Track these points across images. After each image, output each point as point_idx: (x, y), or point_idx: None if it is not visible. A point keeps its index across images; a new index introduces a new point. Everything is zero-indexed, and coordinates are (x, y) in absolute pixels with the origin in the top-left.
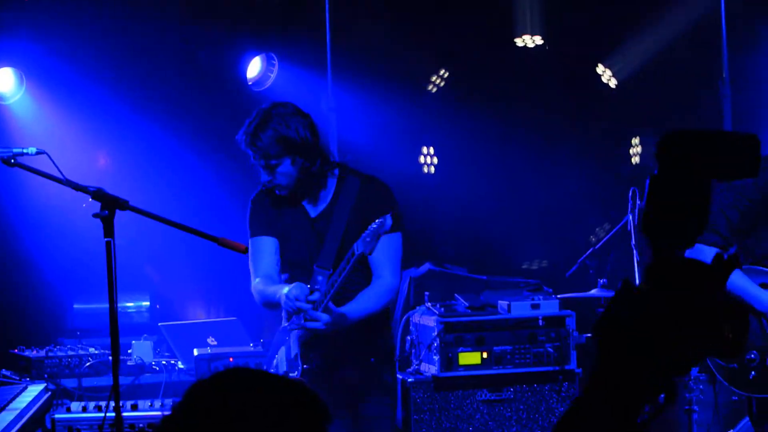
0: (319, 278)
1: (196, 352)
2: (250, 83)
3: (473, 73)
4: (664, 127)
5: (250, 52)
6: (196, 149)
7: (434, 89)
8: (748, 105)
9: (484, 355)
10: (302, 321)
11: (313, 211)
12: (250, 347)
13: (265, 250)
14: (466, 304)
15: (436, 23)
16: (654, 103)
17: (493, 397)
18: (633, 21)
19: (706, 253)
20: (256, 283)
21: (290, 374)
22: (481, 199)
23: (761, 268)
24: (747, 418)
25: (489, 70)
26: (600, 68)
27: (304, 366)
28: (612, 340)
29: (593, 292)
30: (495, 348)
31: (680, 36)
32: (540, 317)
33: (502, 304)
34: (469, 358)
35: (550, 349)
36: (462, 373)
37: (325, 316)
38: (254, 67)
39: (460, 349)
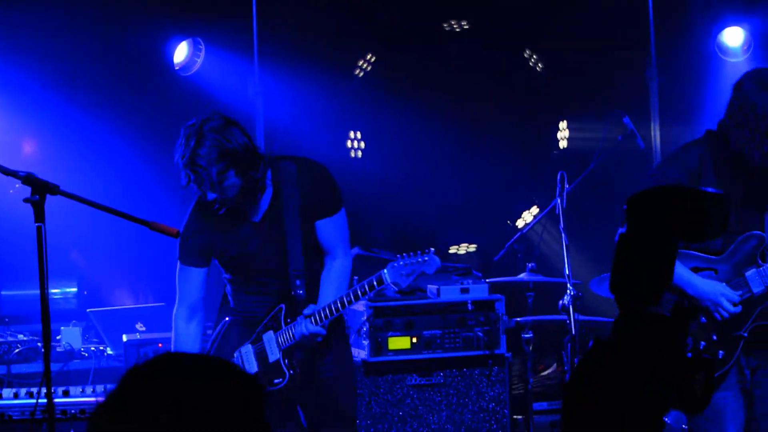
0: (298, 282)
1: (125, 338)
2: (177, 68)
3: (400, 58)
4: (592, 110)
5: (177, 36)
6: (123, 134)
7: (361, 74)
8: (675, 88)
9: (414, 339)
10: (289, 328)
11: (255, 216)
12: None
13: (193, 281)
14: (395, 289)
15: (363, 7)
16: (581, 86)
17: (422, 382)
18: (560, 5)
19: None
20: (175, 314)
21: (275, 380)
22: (409, 183)
23: (690, 252)
24: None
25: (416, 54)
26: (527, 52)
27: (290, 372)
28: (582, 395)
29: (522, 276)
30: (424, 332)
31: (607, 18)
32: (469, 301)
33: (432, 288)
34: (399, 342)
35: (479, 334)
36: (392, 357)
37: (322, 330)
38: (181, 52)
39: (390, 333)
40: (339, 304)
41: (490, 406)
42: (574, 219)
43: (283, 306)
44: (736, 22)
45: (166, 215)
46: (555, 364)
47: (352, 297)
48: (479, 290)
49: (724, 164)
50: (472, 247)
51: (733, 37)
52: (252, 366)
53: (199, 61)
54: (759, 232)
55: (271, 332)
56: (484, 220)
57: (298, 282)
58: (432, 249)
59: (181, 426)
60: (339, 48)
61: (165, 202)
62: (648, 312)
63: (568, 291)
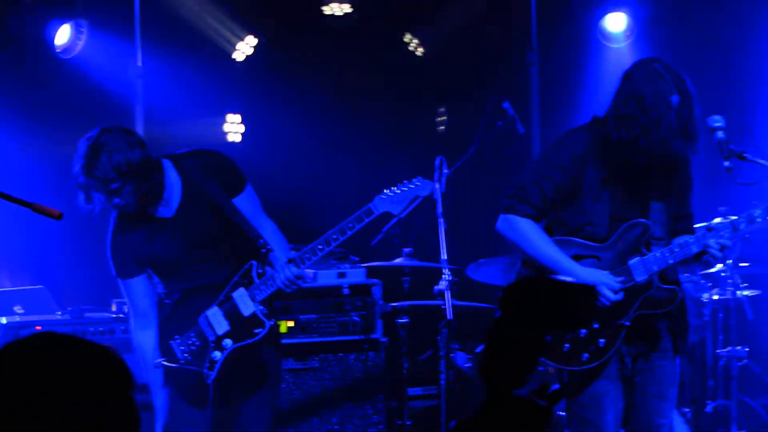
0: (261, 241)
1: (4, 320)
2: (58, 50)
3: (281, 41)
4: (472, 95)
5: (59, 19)
6: (2, 117)
7: (242, 57)
8: (556, 74)
9: (290, 323)
10: (264, 280)
11: (168, 212)
12: (58, 315)
13: (137, 290)
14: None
15: None
16: (461, 71)
17: (299, 366)
18: None
19: (521, 225)
20: (133, 326)
21: (254, 330)
22: (286, 166)
23: (574, 239)
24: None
25: (297, 38)
26: (407, 37)
27: (270, 321)
28: None
29: (398, 260)
30: (301, 317)
31: (489, 3)
32: (346, 286)
33: (308, 272)
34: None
35: (356, 318)
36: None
37: (305, 273)
38: (63, 35)
39: None
40: (323, 243)
41: (366, 390)
42: (452, 204)
43: (254, 262)
44: (618, 8)
45: (45, 198)
46: (430, 350)
47: (338, 234)
48: (356, 275)
49: (609, 152)
50: None
51: (616, 22)
52: (222, 326)
53: (81, 43)
54: (644, 220)
55: (242, 288)
56: (362, 204)
57: (261, 240)
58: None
59: (38, 410)
60: (220, 30)
61: (44, 185)
62: (514, 396)
63: (445, 276)
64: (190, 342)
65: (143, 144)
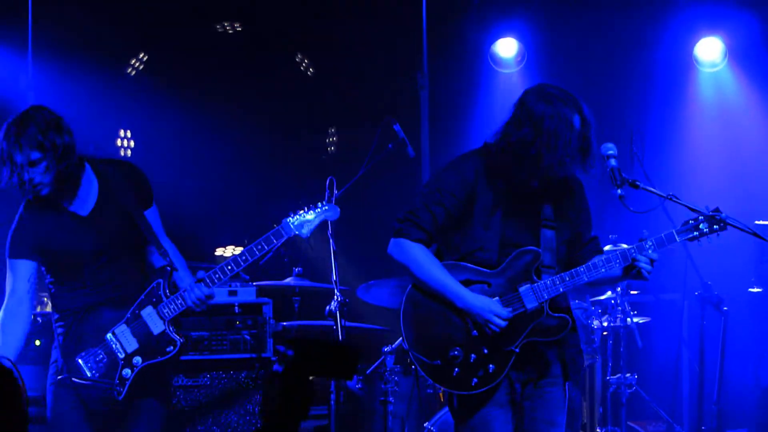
0: (168, 259)
1: None
2: None
3: (172, 58)
4: (362, 117)
5: None
6: None
7: (133, 72)
8: (446, 98)
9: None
10: (175, 299)
11: (82, 210)
12: None
13: (22, 273)
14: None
15: (137, 5)
16: (352, 92)
17: (189, 383)
18: (333, 10)
19: (411, 249)
20: (5, 307)
21: (167, 349)
22: (176, 184)
23: (466, 264)
24: (444, 410)
25: (188, 55)
26: (298, 57)
27: (181, 339)
28: None
29: (288, 280)
30: (192, 333)
31: (380, 26)
32: (237, 304)
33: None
34: None
35: (247, 336)
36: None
37: (213, 292)
38: None
39: None
40: (234, 264)
41: (256, 409)
42: (343, 225)
43: (161, 281)
44: (508, 33)
45: None
46: None
47: (247, 255)
48: (247, 293)
49: (500, 178)
50: (239, 250)
51: (506, 48)
52: (131, 344)
53: None
54: (534, 247)
55: (150, 307)
56: (252, 222)
57: (168, 259)
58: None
59: None
60: (112, 46)
61: None
62: None
63: (336, 297)
64: (98, 359)
65: (71, 132)
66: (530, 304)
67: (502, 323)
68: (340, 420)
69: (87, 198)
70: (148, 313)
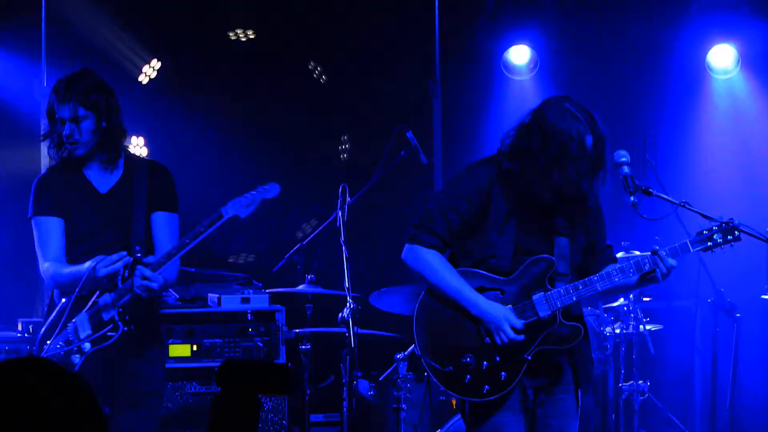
0: (138, 247)
1: None
2: None
3: (185, 66)
4: (375, 124)
5: None
6: None
7: (146, 80)
8: (459, 105)
9: (194, 347)
10: (126, 285)
11: (102, 187)
12: None
13: (53, 231)
14: (177, 296)
15: (150, 13)
16: (365, 100)
17: (202, 390)
18: (346, 17)
19: (426, 255)
20: (47, 267)
21: (108, 334)
22: (188, 190)
23: (478, 270)
24: (456, 417)
25: (201, 62)
26: (311, 64)
27: (125, 327)
28: None
29: (301, 287)
30: (205, 341)
31: (393, 33)
32: (249, 311)
33: (212, 296)
34: (179, 350)
35: (259, 344)
36: (171, 365)
37: (161, 278)
38: None
39: (170, 340)
40: (178, 248)
41: (269, 416)
42: (356, 232)
43: (120, 268)
44: (521, 41)
45: None
46: (333, 377)
47: (192, 237)
48: (260, 300)
49: (514, 185)
50: (251, 257)
51: (519, 55)
52: (85, 330)
53: None
54: (548, 255)
55: (107, 294)
56: (263, 230)
57: (138, 247)
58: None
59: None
60: (125, 53)
61: None
62: None
63: (348, 304)
64: (58, 346)
65: (117, 99)
66: (543, 313)
67: (514, 334)
68: (352, 427)
69: (109, 177)
70: (104, 299)
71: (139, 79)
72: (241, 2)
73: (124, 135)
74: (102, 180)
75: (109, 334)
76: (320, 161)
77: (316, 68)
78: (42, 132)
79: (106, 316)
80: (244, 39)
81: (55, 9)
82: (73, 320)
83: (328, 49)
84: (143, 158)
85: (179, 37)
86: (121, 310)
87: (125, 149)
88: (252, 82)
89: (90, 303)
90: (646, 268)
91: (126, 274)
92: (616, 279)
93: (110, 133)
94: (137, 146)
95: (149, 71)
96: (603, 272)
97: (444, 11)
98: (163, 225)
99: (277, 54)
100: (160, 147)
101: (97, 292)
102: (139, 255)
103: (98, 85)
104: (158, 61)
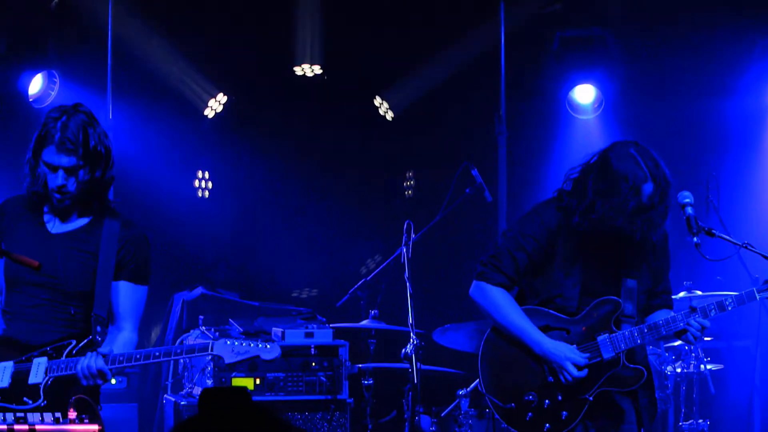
0: (99, 328)
1: None
2: (31, 100)
3: (251, 100)
4: (440, 161)
5: (32, 69)
6: None
7: (212, 114)
8: (524, 144)
9: (257, 381)
10: (69, 362)
11: (54, 228)
12: None
13: None
14: (241, 330)
15: (216, 48)
16: (430, 137)
17: None
18: (412, 55)
19: (493, 293)
20: None
21: (24, 399)
22: (254, 225)
23: (545, 309)
24: None
25: (267, 97)
26: (377, 100)
27: (44, 402)
28: None
29: (365, 322)
30: (268, 375)
31: (459, 71)
32: (313, 346)
33: (276, 330)
34: (242, 383)
35: (322, 378)
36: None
37: (108, 372)
38: (36, 84)
39: (234, 374)
40: (143, 357)
41: None
42: (420, 268)
43: (74, 341)
44: (587, 80)
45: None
46: (395, 412)
47: (162, 354)
48: (323, 335)
49: (578, 225)
50: (315, 292)
51: (584, 94)
52: (3, 381)
53: (53, 93)
54: (615, 297)
55: (45, 358)
56: (329, 265)
57: (99, 328)
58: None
59: None
60: (191, 87)
61: None
62: None
63: (411, 340)
64: None
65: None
66: (607, 354)
67: (577, 373)
68: None
69: (68, 222)
70: (39, 362)
71: (205, 113)
72: (308, 38)
73: (110, 183)
74: (56, 221)
75: (25, 399)
76: (386, 197)
77: (382, 104)
78: (26, 158)
79: (31, 379)
80: (310, 74)
81: (120, 43)
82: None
83: (395, 85)
84: (116, 217)
85: (245, 71)
86: (50, 382)
87: (105, 200)
88: (317, 117)
89: (25, 357)
90: (712, 314)
91: (74, 351)
92: (681, 325)
93: (101, 184)
94: (203, 179)
95: (215, 105)
96: (669, 317)
97: (510, 50)
98: (128, 297)
99: (343, 89)
100: (224, 181)
101: (38, 351)
102: (99, 338)
103: (96, 127)
104: (224, 95)
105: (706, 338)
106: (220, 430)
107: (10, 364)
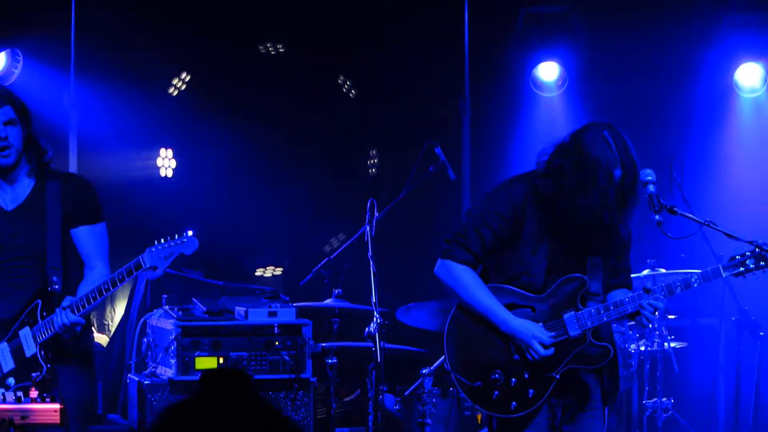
0: (54, 278)
1: None
2: None
3: (215, 78)
4: (403, 139)
5: None
6: None
7: (175, 92)
8: (488, 121)
9: (221, 360)
10: (46, 324)
11: (8, 205)
12: None
13: None
14: (204, 309)
15: (180, 26)
16: (394, 115)
17: None
18: (376, 33)
19: (458, 271)
20: None
21: (32, 374)
22: (217, 203)
23: (510, 287)
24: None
25: (231, 75)
26: (341, 78)
27: (47, 365)
28: None
29: (328, 301)
30: (231, 353)
31: (423, 49)
32: (276, 325)
33: (240, 310)
34: (206, 362)
35: (286, 357)
36: (198, 377)
37: (80, 320)
38: None
39: (197, 353)
40: (96, 293)
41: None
42: (383, 247)
43: (39, 301)
44: (550, 58)
45: None
46: (358, 391)
47: (109, 284)
48: (287, 314)
49: (547, 202)
50: (279, 270)
51: (548, 72)
52: (8, 363)
53: (17, 72)
54: (581, 275)
55: (27, 328)
56: (292, 243)
57: (54, 278)
58: (191, 231)
59: None
60: (154, 65)
61: None
62: None
63: (375, 318)
64: None
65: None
66: (573, 332)
67: (543, 352)
68: None
69: (18, 195)
70: (25, 333)
71: (169, 91)
72: (271, 16)
73: (47, 151)
74: (8, 197)
75: (34, 374)
76: (349, 175)
77: (345, 82)
78: None
79: (28, 352)
80: (273, 52)
81: (84, 20)
82: None
83: (358, 63)
84: (57, 172)
85: (208, 49)
86: (42, 350)
87: (44, 163)
88: (281, 96)
89: (11, 333)
90: (677, 291)
91: (45, 311)
92: (647, 301)
93: (34, 143)
94: (166, 158)
95: (179, 83)
96: (635, 294)
97: (474, 28)
98: (87, 239)
99: (306, 68)
100: (188, 159)
101: (17, 323)
102: (57, 287)
103: (16, 95)
104: (187, 74)
105: (669, 316)
106: (219, 412)
107: (4, 345)
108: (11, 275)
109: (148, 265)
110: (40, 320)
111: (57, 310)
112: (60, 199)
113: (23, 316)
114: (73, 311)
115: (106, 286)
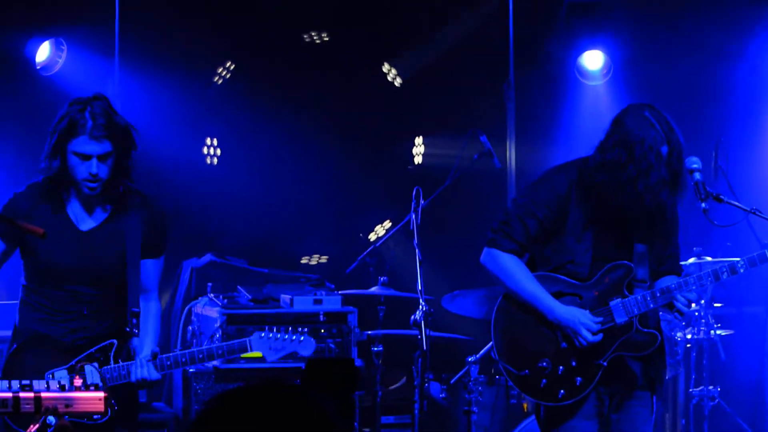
0: (134, 320)
1: None
2: (38, 67)
3: (259, 67)
4: (449, 127)
5: (39, 36)
6: None
7: (220, 81)
8: (533, 109)
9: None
10: (120, 369)
11: (83, 225)
12: None
13: None
14: (249, 297)
15: (224, 14)
16: (439, 103)
17: None
18: (420, 21)
19: (504, 260)
20: None
21: (95, 416)
22: (262, 192)
23: (556, 275)
24: (527, 421)
25: (275, 64)
26: (385, 67)
27: (112, 409)
28: None
29: (374, 289)
30: None
31: (467, 37)
32: (321, 312)
33: (285, 297)
34: (252, 353)
35: (331, 345)
36: (243, 365)
37: (159, 377)
38: (43, 52)
39: None
40: (188, 358)
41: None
42: (428, 235)
43: (116, 342)
44: (595, 46)
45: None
46: (404, 378)
47: (205, 355)
48: (332, 302)
49: (593, 193)
50: (324, 258)
51: (593, 60)
52: None
53: (61, 61)
54: (627, 262)
55: (96, 364)
56: (337, 231)
57: (135, 320)
58: (306, 329)
59: None
60: (199, 54)
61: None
62: None
63: (421, 306)
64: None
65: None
66: (620, 319)
67: (591, 338)
68: (423, 429)
69: (95, 216)
70: (91, 370)
71: (214, 80)
72: (315, 4)
73: (132, 167)
74: (83, 216)
75: (95, 417)
76: (394, 164)
77: (390, 71)
78: (46, 152)
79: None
80: (318, 41)
81: (128, 8)
82: (53, 372)
83: (403, 51)
84: (135, 192)
85: (253, 38)
86: (109, 393)
87: (126, 189)
88: (326, 84)
89: (75, 362)
90: (723, 277)
91: (118, 357)
92: (693, 288)
93: (124, 172)
94: (212, 146)
95: (223, 72)
96: (681, 281)
97: (518, 16)
98: (153, 272)
99: (351, 56)
100: (233, 147)
101: (85, 354)
102: (136, 330)
103: (118, 115)
104: (232, 62)
105: (716, 304)
106: (319, 402)
107: (64, 372)
108: (77, 298)
109: (253, 350)
110: (112, 362)
111: (138, 358)
112: (140, 231)
113: (93, 349)
114: (156, 368)
115: (200, 355)
